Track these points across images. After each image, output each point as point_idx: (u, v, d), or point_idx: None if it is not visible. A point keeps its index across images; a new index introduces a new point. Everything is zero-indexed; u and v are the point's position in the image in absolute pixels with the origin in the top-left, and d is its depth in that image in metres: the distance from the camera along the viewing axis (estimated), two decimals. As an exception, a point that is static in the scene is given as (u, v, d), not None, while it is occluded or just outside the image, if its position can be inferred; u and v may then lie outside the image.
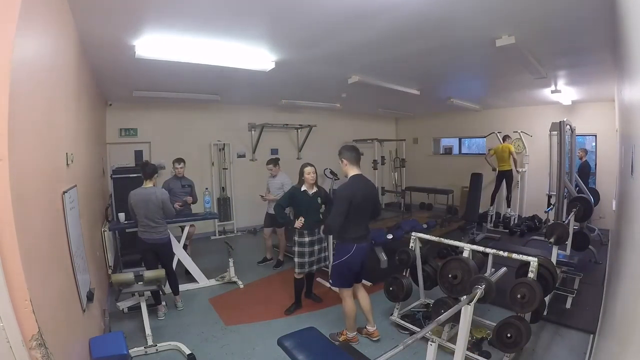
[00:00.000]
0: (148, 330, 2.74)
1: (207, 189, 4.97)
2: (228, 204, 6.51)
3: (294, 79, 4.44)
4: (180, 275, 3.79)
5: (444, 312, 1.83)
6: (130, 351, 2.40)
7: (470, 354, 2.42)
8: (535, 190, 6.56)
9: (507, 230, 6.06)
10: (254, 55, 3.33)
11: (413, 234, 3.10)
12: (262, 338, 2.85)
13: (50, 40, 1.74)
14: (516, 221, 6.41)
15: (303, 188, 3.25)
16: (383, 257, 4.20)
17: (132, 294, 2.97)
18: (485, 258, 2.86)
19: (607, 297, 2.80)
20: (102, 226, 3.79)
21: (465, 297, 1.92)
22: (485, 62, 3.89)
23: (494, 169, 6.50)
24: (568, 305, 3.20)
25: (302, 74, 4.22)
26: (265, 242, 4.79)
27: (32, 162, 1.36)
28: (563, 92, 5.18)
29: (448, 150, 8.98)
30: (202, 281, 3.95)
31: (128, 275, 2.83)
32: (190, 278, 3.94)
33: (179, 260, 3.76)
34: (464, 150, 8.79)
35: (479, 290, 1.96)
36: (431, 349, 1.59)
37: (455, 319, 1.92)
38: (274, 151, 6.98)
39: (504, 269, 2.33)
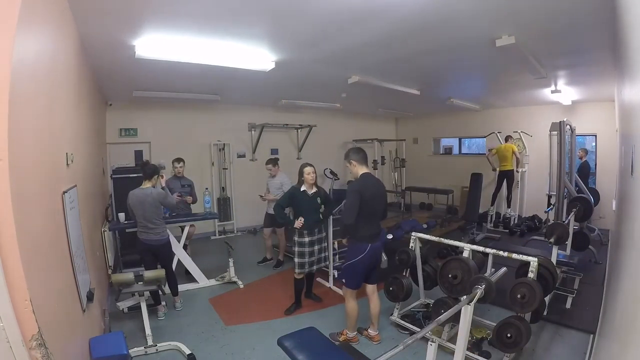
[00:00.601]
0: (148, 330, 2.74)
1: (207, 189, 4.97)
2: (228, 204, 6.51)
3: (294, 79, 4.44)
4: (180, 275, 3.79)
5: (444, 312, 1.83)
6: (130, 351, 2.40)
7: (470, 354, 2.42)
8: (535, 190, 6.56)
9: (507, 230, 6.06)
10: (254, 55, 3.33)
11: (413, 234, 3.10)
12: (262, 338, 2.85)
13: (50, 40, 1.74)
14: (516, 221, 6.41)
15: (303, 188, 3.25)
16: (383, 257, 4.19)
17: (132, 294, 2.96)
18: (485, 258, 2.86)
19: (607, 297, 2.80)
20: (102, 226, 3.79)
21: (465, 297, 1.92)
22: (485, 62, 3.89)
23: (494, 169, 6.50)
24: (568, 305, 3.20)
25: (302, 74, 4.22)
26: (265, 242, 4.78)
27: (32, 162, 1.36)
28: (563, 92, 5.19)
29: (448, 150, 8.98)
30: (202, 281, 3.95)
31: (128, 275, 2.83)
32: (190, 278, 3.94)
33: (178, 260, 3.76)
34: (464, 150, 8.79)
35: (479, 290, 1.96)
36: (431, 349, 1.59)
37: (455, 319, 1.92)
38: (274, 151, 6.98)
39: (504, 269, 2.33)
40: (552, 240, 3.16)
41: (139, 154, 5.68)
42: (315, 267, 3.33)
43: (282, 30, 2.81)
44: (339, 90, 5.34)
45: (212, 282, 4.00)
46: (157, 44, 2.86)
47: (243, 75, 3.84)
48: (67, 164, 1.99)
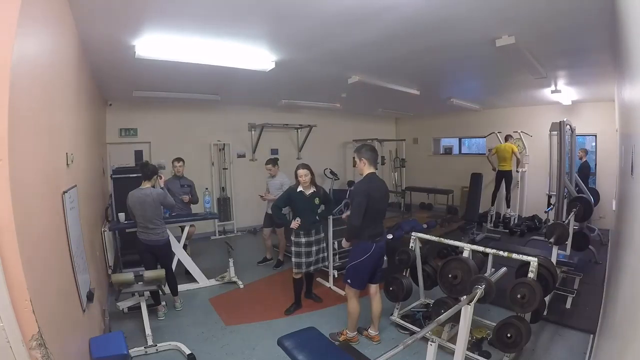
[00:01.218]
0: (148, 330, 2.74)
1: (207, 189, 4.96)
2: (228, 204, 6.51)
3: (294, 79, 4.43)
4: (180, 275, 3.79)
5: (444, 312, 1.83)
6: (130, 351, 2.40)
7: (470, 354, 2.42)
8: (535, 190, 6.56)
9: (507, 230, 6.06)
10: (254, 55, 3.33)
11: (413, 234, 3.10)
12: (262, 338, 2.85)
13: (50, 40, 1.74)
14: (516, 221, 6.41)
15: (299, 189, 3.23)
16: (383, 257, 4.20)
17: (132, 294, 2.96)
18: (485, 258, 2.86)
19: (607, 297, 2.79)
20: (102, 226, 3.79)
21: (465, 297, 1.92)
22: (485, 62, 3.89)
23: (494, 169, 6.50)
24: (568, 305, 3.20)
25: (302, 74, 4.22)
26: (265, 242, 4.78)
27: (32, 162, 1.36)
28: (563, 92, 5.18)
29: (448, 150, 8.97)
30: (202, 281, 3.95)
31: (128, 275, 2.83)
32: (190, 278, 3.94)
33: (178, 260, 3.75)
34: (464, 150, 8.79)
35: (479, 290, 1.96)
36: (431, 349, 1.58)
37: (455, 319, 1.92)
38: (274, 151, 6.98)
39: (504, 269, 2.33)
40: (552, 240, 3.16)
41: (139, 154, 5.68)
42: (312, 268, 3.30)
43: (282, 31, 2.81)
44: (339, 90, 5.33)
45: (212, 282, 4.00)
46: (157, 44, 2.86)
47: (243, 75, 3.84)
48: (67, 164, 1.99)
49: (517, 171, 6.62)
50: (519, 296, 2.25)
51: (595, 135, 6.18)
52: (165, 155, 5.52)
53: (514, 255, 2.50)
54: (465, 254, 2.65)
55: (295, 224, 3.15)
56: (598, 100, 5.76)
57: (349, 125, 8.20)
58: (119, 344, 1.99)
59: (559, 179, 3.85)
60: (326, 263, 3.48)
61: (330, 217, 3.67)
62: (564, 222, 3.51)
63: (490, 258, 2.79)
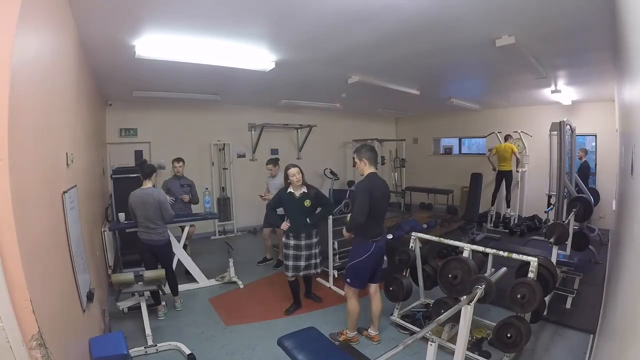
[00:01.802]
0: (148, 330, 2.74)
1: (207, 189, 4.97)
2: (228, 204, 6.51)
3: (294, 79, 4.43)
4: (180, 275, 3.79)
5: (444, 312, 1.83)
6: (130, 351, 2.40)
7: (470, 354, 2.42)
8: (535, 190, 6.56)
9: (507, 230, 6.06)
10: (254, 55, 3.32)
11: (413, 234, 3.09)
12: (262, 338, 2.85)
13: (50, 40, 1.73)
14: (516, 221, 6.41)
15: (289, 190, 3.19)
16: (383, 256, 4.20)
17: (132, 294, 2.96)
18: (485, 258, 2.86)
19: (607, 297, 2.79)
20: (102, 226, 3.78)
21: (465, 297, 1.92)
22: (485, 62, 3.89)
23: (494, 169, 6.50)
24: (568, 305, 3.20)
25: (302, 74, 4.22)
26: (265, 242, 4.78)
27: (32, 162, 1.36)
28: (563, 92, 5.18)
29: (448, 150, 8.97)
30: (202, 281, 3.95)
31: (128, 275, 2.82)
32: (190, 278, 3.94)
33: (178, 260, 3.75)
34: (464, 150, 8.79)
35: (479, 290, 1.95)
36: (431, 349, 1.58)
37: (455, 319, 1.92)
38: (274, 151, 6.98)
39: (504, 269, 2.33)
40: (552, 240, 3.16)
41: (139, 154, 5.67)
42: (302, 274, 3.22)
43: (282, 31, 2.81)
44: (339, 90, 5.33)
45: (212, 282, 4.00)
46: (157, 44, 2.85)
47: (243, 75, 3.84)
48: (67, 164, 1.99)
49: (517, 171, 6.62)
50: (519, 296, 2.25)
51: (595, 135, 6.18)
52: (165, 155, 5.52)
53: (514, 255, 2.50)
54: (465, 254, 2.65)
55: (285, 225, 3.12)
56: (598, 100, 5.77)
57: (349, 125, 8.20)
58: (119, 344, 1.98)
59: (559, 179, 3.85)
60: (318, 270, 3.35)
61: (330, 216, 3.66)
62: (564, 222, 3.51)
63: (490, 258, 2.79)
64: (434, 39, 2.99)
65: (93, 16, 2.32)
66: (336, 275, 3.86)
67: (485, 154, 7.29)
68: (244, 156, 6.78)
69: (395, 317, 3.03)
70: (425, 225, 5.32)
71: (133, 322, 3.05)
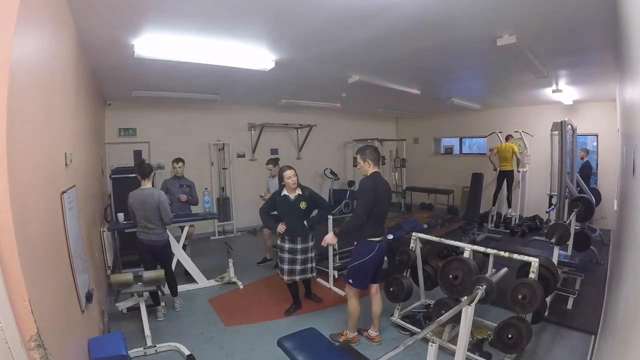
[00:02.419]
0: (147, 331, 2.73)
1: (206, 189, 4.96)
2: (228, 204, 6.50)
3: (293, 78, 4.43)
4: (180, 275, 3.78)
5: (445, 312, 1.82)
6: (129, 352, 2.39)
7: (471, 355, 2.41)
8: (536, 190, 6.55)
9: (508, 231, 6.04)
10: (253, 55, 3.32)
11: (413, 234, 3.09)
12: (262, 339, 2.84)
13: (49, 39, 1.73)
14: (517, 221, 6.39)
15: (284, 193, 3.12)
16: (384, 257, 4.19)
17: (131, 295, 2.96)
18: (486, 258, 2.85)
19: (608, 297, 2.78)
20: (101, 226, 3.78)
21: (466, 297, 1.91)
22: (486, 61, 3.88)
23: (495, 169, 6.49)
24: (569, 306, 3.19)
25: (302, 74, 4.21)
26: (265, 242, 4.77)
27: (30, 162, 1.35)
28: (564, 91, 5.17)
29: (449, 150, 8.96)
30: (202, 282, 3.94)
31: (127, 275, 2.81)
32: (189, 278, 3.94)
33: (178, 260, 3.74)
34: (464, 150, 8.77)
35: (480, 291, 1.95)
36: (432, 350, 1.58)
37: (456, 319, 1.91)
38: (274, 151, 6.98)
39: (505, 270, 2.33)
40: (553, 240, 3.14)
41: (138, 154, 5.66)
42: (298, 277, 3.17)
43: (282, 30, 2.80)
44: (339, 89, 5.33)
45: (212, 282, 3.99)
46: (157, 43, 2.85)
47: (243, 74, 3.83)
48: (66, 164, 1.98)
49: (518, 171, 6.60)
50: (520, 297, 2.24)
51: (597, 135, 6.17)
52: (164, 155, 5.52)
53: (515, 256, 2.49)
54: (466, 254, 2.64)
55: (281, 227, 3.07)
56: (599, 100, 5.75)
57: (349, 125, 8.20)
58: (118, 345, 1.97)
59: (560, 179, 3.83)
60: (314, 274, 3.32)
61: (330, 216, 3.65)
62: (565, 222, 3.49)
63: (491, 258, 2.78)
64: (435, 38, 2.98)
65: (92, 15, 2.32)
66: (336, 276, 3.85)
67: (486, 153, 7.29)
68: (243, 156, 6.78)
69: (396, 318, 3.02)
70: (425, 226, 5.31)
71: (132, 322, 3.04)
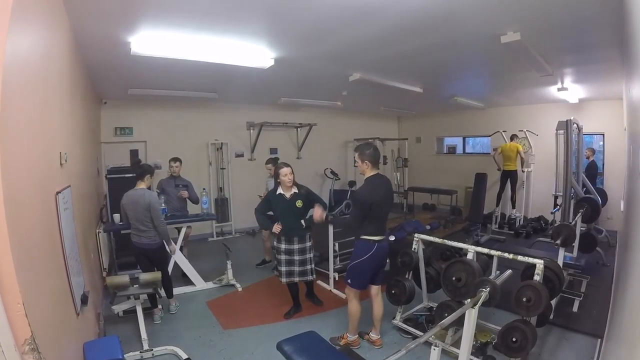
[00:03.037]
0: (144, 335, 2.69)
1: (204, 189, 4.93)
2: (226, 205, 6.45)
3: (293, 76, 4.39)
4: (177, 277, 3.75)
5: (448, 315, 1.79)
6: (125, 356, 2.34)
7: (475, 359, 2.37)
8: (541, 190, 6.48)
9: (513, 232, 5.97)
10: (252, 52, 3.28)
11: (416, 235, 3.04)
12: (261, 342, 2.80)
13: (43, 37, 1.71)
14: (522, 222, 6.34)
15: (279, 191, 3.06)
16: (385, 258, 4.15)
17: (127, 297, 2.92)
18: (489, 260, 2.82)
19: (615, 300, 2.74)
20: (97, 227, 3.73)
21: (469, 300, 1.87)
22: (489, 59, 3.84)
23: (499, 169, 6.43)
24: (575, 309, 3.15)
25: (302, 72, 4.18)
26: (264, 243, 4.74)
27: (24, 162, 1.34)
28: (570, 89, 5.11)
29: (452, 150, 8.89)
30: (199, 284, 3.90)
31: (123, 277, 2.78)
32: (187, 280, 3.90)
33: (175, 262, 3.70)
34: (468, 150, 8.70)
35: (484, 293, 1.90)
36: (434, 354, 1.54)
37: (459, 322, 1.87)
38: (273, 150, 6.94)
39: (509, 272, 2.28)
40: (558, 241, 3.10)
41: (134, 154, 5.61)
42: (297, 279, 3.13)
43: (281, 27, 2.77)
44: (339, 88, 5.29)
45: (210, 284, 3.94)
46: (154, 41, 2.82)
47: (241, 72, 3.80)
48: (61, 163, 1.96)
49: (523, 171, 6.54)
50: (524, 299, 2.20)
51: (603, 134, 6.10)
52: (161, 154, 5.47)
53: (520, 258, 2.45)
54: (470, 256, 2.60)
55: (277, 227, 3.01)
56: (606, 99, 5.68)
57: (350, 124, 8.16)
58: (114, 349, 1.95)
59: (565, 179, 3.79)
60: (314, 276, 3.26)
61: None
62: (570, 223, 3.45)
63: (495, 260, 2.75)
64: (437, 34, 2.94)
65: (87, 12, 2.29)
66: (337, 278, 3.81)
67: (489, 153, 7.23)
68: (242, 156, 6.72)
69: (398, 321, 2.98)
70: (428, 227, 5.28)
71: (128, 325, 3.00)
